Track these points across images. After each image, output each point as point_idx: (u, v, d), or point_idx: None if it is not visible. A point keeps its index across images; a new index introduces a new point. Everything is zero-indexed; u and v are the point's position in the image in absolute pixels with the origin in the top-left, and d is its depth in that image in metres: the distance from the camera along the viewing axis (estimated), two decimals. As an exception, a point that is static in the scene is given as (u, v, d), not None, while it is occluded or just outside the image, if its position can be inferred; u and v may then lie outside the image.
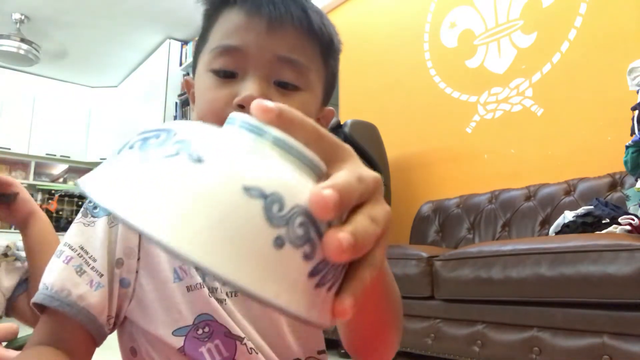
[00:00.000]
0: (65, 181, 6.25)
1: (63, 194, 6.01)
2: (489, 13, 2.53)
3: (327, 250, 0.21)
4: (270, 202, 0.20)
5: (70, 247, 0.48)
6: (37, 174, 5.93)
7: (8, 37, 4.46)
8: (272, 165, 0.21)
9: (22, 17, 4.39)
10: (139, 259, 0.50)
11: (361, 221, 0.23)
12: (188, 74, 4.81)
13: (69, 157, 5.91)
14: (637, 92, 1.56)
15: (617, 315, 1.24)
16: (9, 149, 5.54)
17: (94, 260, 0.48)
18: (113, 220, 0.50)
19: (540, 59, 2.27)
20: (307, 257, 0.21)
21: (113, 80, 5.90)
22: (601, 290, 1.25)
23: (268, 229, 0.19)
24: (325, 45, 0.53)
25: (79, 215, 0.51)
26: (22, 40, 4.52)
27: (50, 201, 5.88)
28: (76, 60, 5.37)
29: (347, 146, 0.26)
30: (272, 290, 0.19)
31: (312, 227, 0.21)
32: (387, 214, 0.25)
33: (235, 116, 0.24)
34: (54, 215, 5.83)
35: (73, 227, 0.50)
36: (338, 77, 0.60)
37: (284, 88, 0.50)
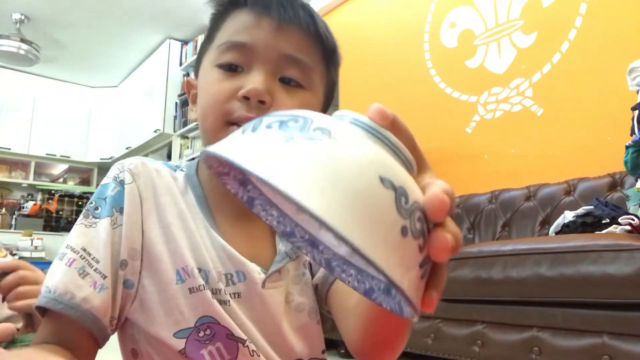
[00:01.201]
0: (65, 181, 6.25)
1: (63, 194, 6.01)
2: (489, 13, 2.53)
3: (434, 247, 0.24)
4: (400, 195, 0.22)
5: (73, 249, 0.48)
6: (37, 174, 5.93)
7: (8, 37, 4.46)
8: (391, 161, 0.24)
9: (22, 17, 4.39)
10: (142, 260, 0.50)
11: (454, 227, 0.25)
12: (188, 74, 4.81)
13: (69, 157, 5.91)
14: (637, 92, 1.56)
15: (617, 315, 1.24)
16: (9, 149, 5.54)
17: (97, 262, 0.48)
18: (116, 221, 0.50)
19: (540, 59, 2.27)
20: (420, 249, 0.23)
21: (113, 80, 5.90)
22: (601, 290, 1.25)
23: (397, 218, 0.22)
24: (328, 52, 0.55)
25: (81, 217, 0.51)
26: (22, 40, 4.52)
27: (50, 201, 5.88)
28: (76, 60, 5.37)
29: (426, 160, 0.30)
30: (397, 273, 0.22)
31: (425, 223, 0.24)
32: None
33: (345, 113, 0.27)
34: (54, 215, 5.83)
35: (75, 229, 0.50)
36: (337, 89, 0.62)
37: (287, 84, 0.52)
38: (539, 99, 2.27)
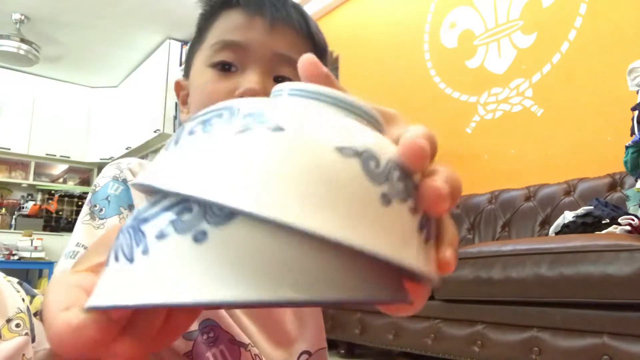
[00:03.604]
0: (65, 181, 6.25)
1: (63, 194, 6.01)
2: (489, 13, 2.53)
3: (427, 201, 0.20)
4: (366, 159, 0.19)
5: (85, 248, 0.47)
6: (37, 174, 5.93)
7: (8, 37, 4.46)
8: (348, 124, 0.20)
9: (22, 17, 4.39)
10: None
11: (445, 171, 0.22)
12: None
13: (69, 157, 5.91)
14: (637, 92, 1.56)
15: (617, 315, 1.24)
16: (9, 149, 5.53)
17: None
18: (126, 218, 0.49)
19: (540, 59, 2.27)
20: (413, 211, 0.20)
21: (113, 80, 5.89)
22: (601, 290, 1.25)
23: (372, 187, 0.18)
24: (320, 52, 0.55)
25: (87, 217, 0.50)
26: (22, 40, 4.52)
27: (50, 201, 5.88)
28: (76, 60, 5.37)
29: (391, 109, 0.26)
30: (396, 250, 0.18)
31: (409, 180, 0.20)
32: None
33: (281, 87, 0.24)
34: (54, 215, 5.83)
35: (83, 228, 0.49)
36: None
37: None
38: (538, 99, 2.27)
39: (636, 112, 1.54)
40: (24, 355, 0.60)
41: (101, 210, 0.50)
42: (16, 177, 5.79)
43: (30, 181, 5.82)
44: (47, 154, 5.74)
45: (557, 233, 1.71)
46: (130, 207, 0.50)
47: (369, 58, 3.17)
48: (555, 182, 2.04)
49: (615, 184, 1.84)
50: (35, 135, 5.64)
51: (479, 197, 2.29)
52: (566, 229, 1.67)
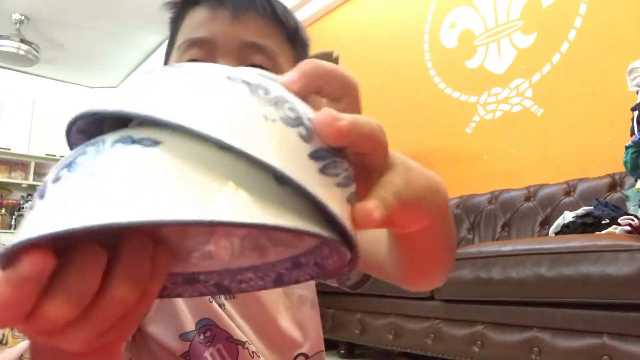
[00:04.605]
0: (65, 181, 6.26)
1: (63, 194, 6.01)
2: (489, 13, 2.53)
3: (319, 128, 0.20)
4: (255, 87, 0.20)
5: None
6: (37, 174, 5.93)
7: (8, 37, 4.46)
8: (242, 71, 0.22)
9: (22, 18, 4.39)
10: None
11: (349, 109, 0.23)
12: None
13: (68, 157, 5.91)
14: (637, 92, 1.56)
15: (617, 316, 1.24)
16: (9, 149, 5.53)
17: None
18: None
19: (540, 60, 2.27)
20: (303, 138, 0.20)
21: (113, 80, 5.89)
22: (601, 290, 1.25)
23: (256, 106, 0.19)
24: (291, 33, 0.53)
25: None
26: (22, 40, 4.52)
27: (50, 201, 5.88)
28: (76, 61, 5.37)
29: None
30: (275, 159, 0.18)
31: (303, 115, 0.21)
32: (371, 119, 0.23)
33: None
34: (54, 215, 5.82)
35: None
36: None
37: None
38: (538, 100, 2.27)
39: (636, 112, 1.54)
40: (22, 355, 0.60)
41: None
42: (16, 177, 5.79)
43: (30, 181, 5.82)
44: (47, 154, 5.74)
45: (557, 233, 1.71)
46: None
47: (369, 58, 3.17)
48: (555, 182, 2.04)
49: (615, 184, 1.84)
50: (35, 135, 5.64)
51: (479, 197, 2.29)
52: (566, 229, 1.67)
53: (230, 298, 0.51)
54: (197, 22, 0.51)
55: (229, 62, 0.49)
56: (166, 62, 0.57)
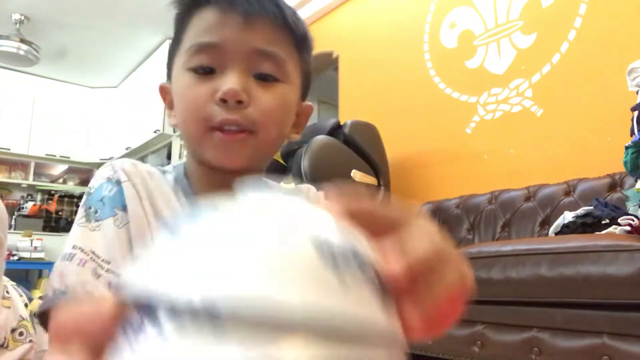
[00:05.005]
0: (65, 181, 6.25)
1: (63, 194, 6.01)
2: (489, 13, 2.53)
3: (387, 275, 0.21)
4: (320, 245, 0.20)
5: (82, 250, 0.46)
6: (37, 175, 5.93)
7: (8, 37, 4.46)
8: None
9: (22, 18, 4.39)
10: None
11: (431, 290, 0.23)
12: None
13: (68, 157, 5.91)
14: (637, 92, 1.56)
15: (617, 316, 1.24)
16: (9, 149, 5.53)
17: (108, 263, 0.46)
18: (120, 219, 0.49)
19: (539, 60, 2.27)
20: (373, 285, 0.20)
21: (113, 81, 5.89)
22: (601, 290, 1.25)
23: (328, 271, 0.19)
24: (299, 39, 0.53)
25: (82, 220, 0.49)
26: (22, 40, 4.52)
27: (49, 202, 5.88)
28: (76, 61, 5.37)
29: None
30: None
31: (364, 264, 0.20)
32: (426, 239, 0.23)
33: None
34: (54, 215, 5.83)
35: (78, 230, 0.48)
36: (313, 74, 0.61)
37: (263, 80, 0.51)
38: (538, 100, 2.27)
39: (636, 112, 1.54)
40: (22, 359, 0.60)
41: (96, 212, 0.49)
42: (16, 177, 5.79)
43: (30, 181, 5.82)
44: (47, 154, 5.74)
45: (557, 233, 1.71)
46: (124, 208, 0.50)
47: (369, 58, 3.17)
48: (555, 182, 2.04)
49: (615, 184, 1.84)
50: (35, 136, 5.64)
51: (479, 198, 2.29)
52: (566, 229, 1.67)
53: None
54: (206, 25, 0.50)
55: (237, 69, 0.49)
56: (170, 61, 0.56)
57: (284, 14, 0.51)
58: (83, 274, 0.45)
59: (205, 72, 0.50)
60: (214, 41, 0.49)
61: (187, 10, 0.53)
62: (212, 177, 0.54)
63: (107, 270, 0.46)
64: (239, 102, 0.49)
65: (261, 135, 0.51)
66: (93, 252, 0.47)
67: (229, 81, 0.48)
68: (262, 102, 0.50)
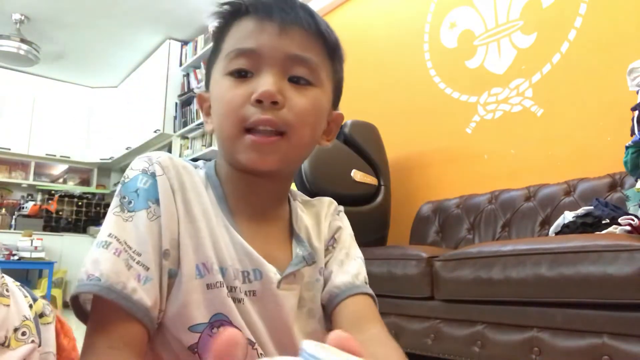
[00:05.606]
0: (65, 181, 6.25)
1: (63, 194, 6.02)
2: (489, 13, 2.53)
3: None
4: None
5: (117, 240, 0.47)
6: (37, 174, 5.93)
7: (8, 37, 4.46)
8: None
9: (22, 18, 4.39)
10: (178, 250, 0.51)
11: None
12: (188, 74, 4.81)
13: (69, 157, 5.91)
14: (637, 92, 1.56)
15: (617, 316, 1.24)
16: (9, 149, 5.54)
17: (139, 255, 0.47)
18: (153, 212, 0.50)
19: (540, 60, 2.27)
20: None
21: (113, 81, 5.90)
22: (601, 290, 1.25)
23: None
24: (331, 48, 0.57)
25: (117, 209, 0.50)
26: (22, 40, 4.52)
27: (50, 201, 5.88)
28: (76, 61, 5.37)
29: None
30: None
31: None
32: None
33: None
34: (54, 215, 5.83)
35: (113, 219, 0.49)
36: (343, 85, 0.63)
37: (297, 83, 0.53)
38: (538, 100, 2.27)
39: (636, 112, 1.53)
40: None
41: (130, 202, 0.51)
42: (16, 177, 5.80)
43: (30, 181, 5.82)
44: (47, 154, 5.75)
45: (557, 233, 1.71)
46: (157, 201, 0.51)
47: (369, 58, 3.17)
48: (555, 182, 2.04)
49: (615, 184, 1.84)
50: (35, 135, 5.64)
51: (479, 197, 2.29)
52: (566, 229, 1.67)
53: (251, 295, 0.52)
54: (245, 33, 0.54)
55: (272, 72, 0.52)
56: (209, 71, 0.59)
57: (317, 24, 0.54)
58: (117, 264, 0.46)
59: (242, 76, 0.53)
60: (251, 47, 0.52)
61: (226, 21, 0.56)
62: (242, 179, 0.56)
63: (138, 263, 0.47)
64: (274, 103, 0.51)
65: (293, 138, 0.52)
66: (126, 243, 0.48)
67: (265, 83, 0.51)
68: (296, 103, 0.52)
